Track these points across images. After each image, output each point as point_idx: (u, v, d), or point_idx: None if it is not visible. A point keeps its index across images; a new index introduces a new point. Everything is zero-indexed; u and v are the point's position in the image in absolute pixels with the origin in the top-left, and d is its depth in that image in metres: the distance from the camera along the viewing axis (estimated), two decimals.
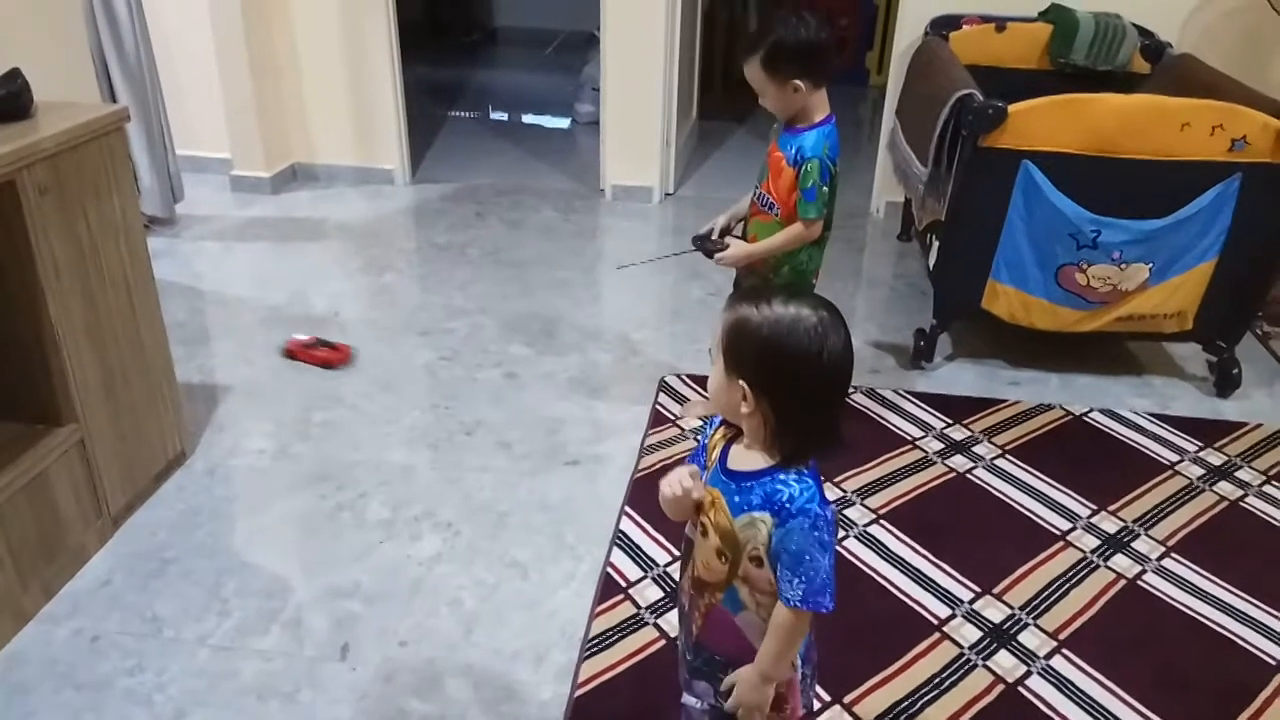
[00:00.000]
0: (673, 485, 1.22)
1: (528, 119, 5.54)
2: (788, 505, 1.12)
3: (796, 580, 1.13)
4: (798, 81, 2.05)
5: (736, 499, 1.17)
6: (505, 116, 5.60)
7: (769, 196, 2.22)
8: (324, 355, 2.84)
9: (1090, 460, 2.47)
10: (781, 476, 1.14)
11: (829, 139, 2.11)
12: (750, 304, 1.14)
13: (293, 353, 2.86)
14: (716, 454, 1.23)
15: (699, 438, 1.30)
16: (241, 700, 1.73)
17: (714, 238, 2.29)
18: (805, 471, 1.15)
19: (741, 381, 1.13)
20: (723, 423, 1.25)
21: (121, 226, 2.03)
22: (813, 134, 2.11)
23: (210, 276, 3.42)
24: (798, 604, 1.14)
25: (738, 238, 2.30)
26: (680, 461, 2.39)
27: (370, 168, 4.31)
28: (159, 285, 2.22)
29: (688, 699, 1.40)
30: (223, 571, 2.03)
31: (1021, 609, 1.97)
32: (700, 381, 2.75)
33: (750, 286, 1.07)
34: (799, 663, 1.28)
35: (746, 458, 1.18)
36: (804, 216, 2.14)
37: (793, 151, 2.13)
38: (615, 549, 2.11)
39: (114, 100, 3.41)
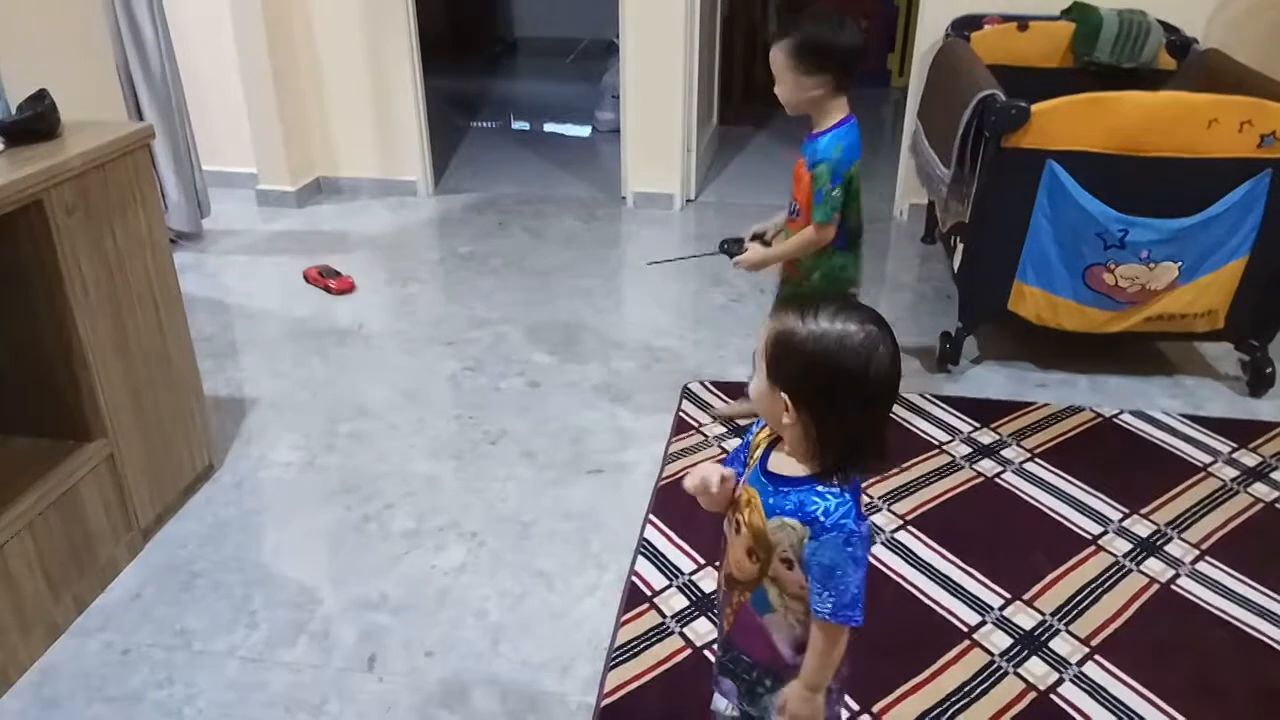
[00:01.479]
0: (695, 481, 1.22)
1: (549, 128, 5.55)
2: (822, 519, 1.11)
3: (826, 594, 1.12)
4: (816, 79, 2.04)
5: (771, 501, 1.17)
6: (527, 126, 5.62)
7: (795, 204, 2.22)
8: (326, 283, 3.41)
9: (1121, 463, 2.44)
10: (819, 488, 1.13)
11: (843, 140, 2.09)
12: (796, 315, 1.11)
13: (308, 277, 3.47)
14: (758, 454, 1.23)
15: (743, 437, 1.30)
16: (270, 712, 1.74)
17: (727, 239, 2.33)
18: (844, 484, 1.14)
19: (783, 393, 1.12)
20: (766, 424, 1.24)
21: (148, 243, 2.06)
22: (826, 137, 2.10)
23: (237, 290, 3.46)
24: (826, 617, 1.13)
25: (765, 244, 2.29)
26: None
27: (393, 180, 4.34)
28: (186, 300, 2.24)
29: (717, 703, 1.39)
30: (251, 584, 2.05)
31: (1053, 615, 1.94)
32: (723, 388, 2.75)
33: (792, 294, 1.06)
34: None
35: (787, 463, 1.17)
36: (817, 220, 2.13)
37: (808, 156, 2.13)
38: (640, 558, 2.10)
39: (140, 117, 3.46)
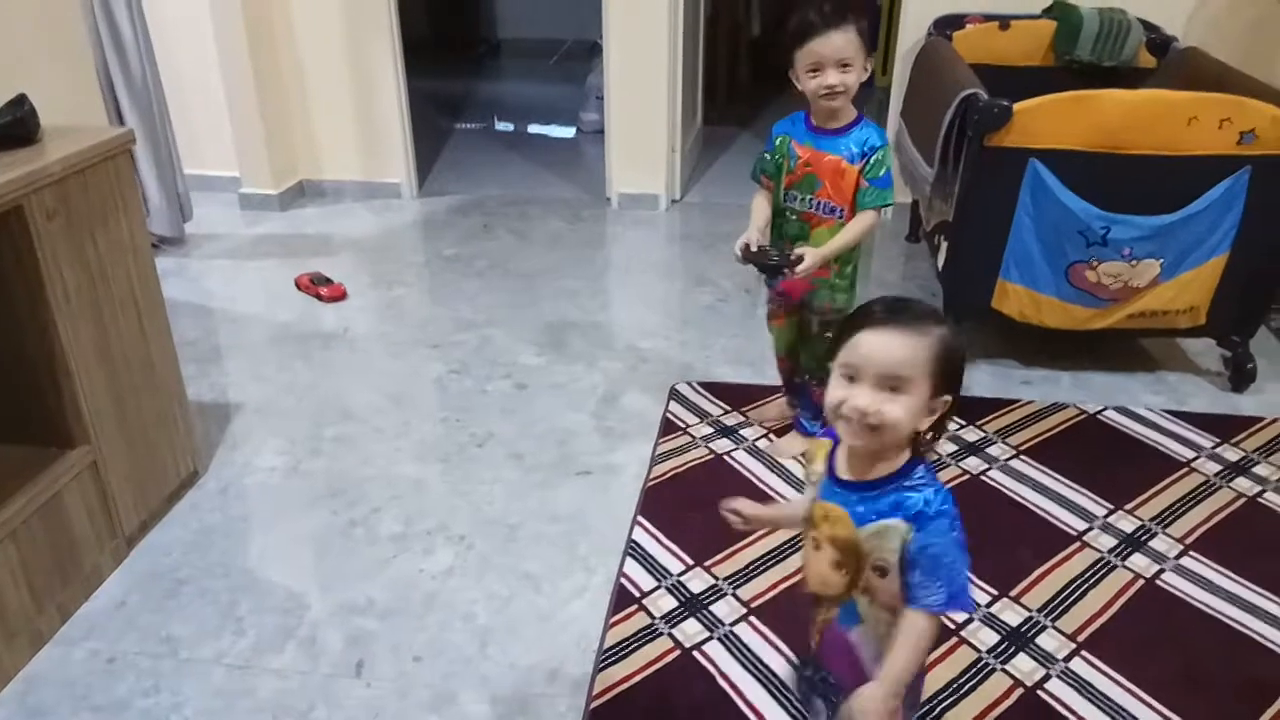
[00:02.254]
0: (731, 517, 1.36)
1: (533, 129, 5.55)
2: (925, 509, 1.12)
3: (938, 584, 1.12)
4: (869, 64, 2.07)
5: (860, 509, 1.16)
6: (511, 127, 5.62)
7: (831, 203, 2.16)
8: (317, 290, 3.38)
9: (1106, 459, 2.45)
10: (908, 482, 1.14)
11: (876, 128, 2.12)
12: (934, 324, 1.13)
13: (299, 284, 3.43)
14: (820, 466, 1.23)
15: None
16: (257, 719, 1.73)
17: (770, 250, 2.14)
18: (927, 473, 1.15)
19: (946, 397, 1.14)
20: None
21: (130, 248, 2.04)
22: (860, 129, 2.11)
23: (220, 295, 3.44)
24: (940, 608, 1.12)
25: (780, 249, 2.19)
26: (693, 470, 2.39)
27: (377, 182, 4.33)
28: (169, 305, 2.23)
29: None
30: (237, 590, 2.04)
31: (1039, 611, 1.95)
32: (710, 388, 2.75)
33: (898, 304, 1.05)
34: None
35: (866, 467, 1.17)
36: (879, 204, 2.11)
37: (851, 150, 2.11)
38: (628, 559, 2.10)
39: (121, 122, 3.44)
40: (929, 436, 1.16)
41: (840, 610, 1.22)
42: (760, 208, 2.25)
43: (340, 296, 3.37)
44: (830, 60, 2.03)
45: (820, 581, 1.23)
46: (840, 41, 2.02)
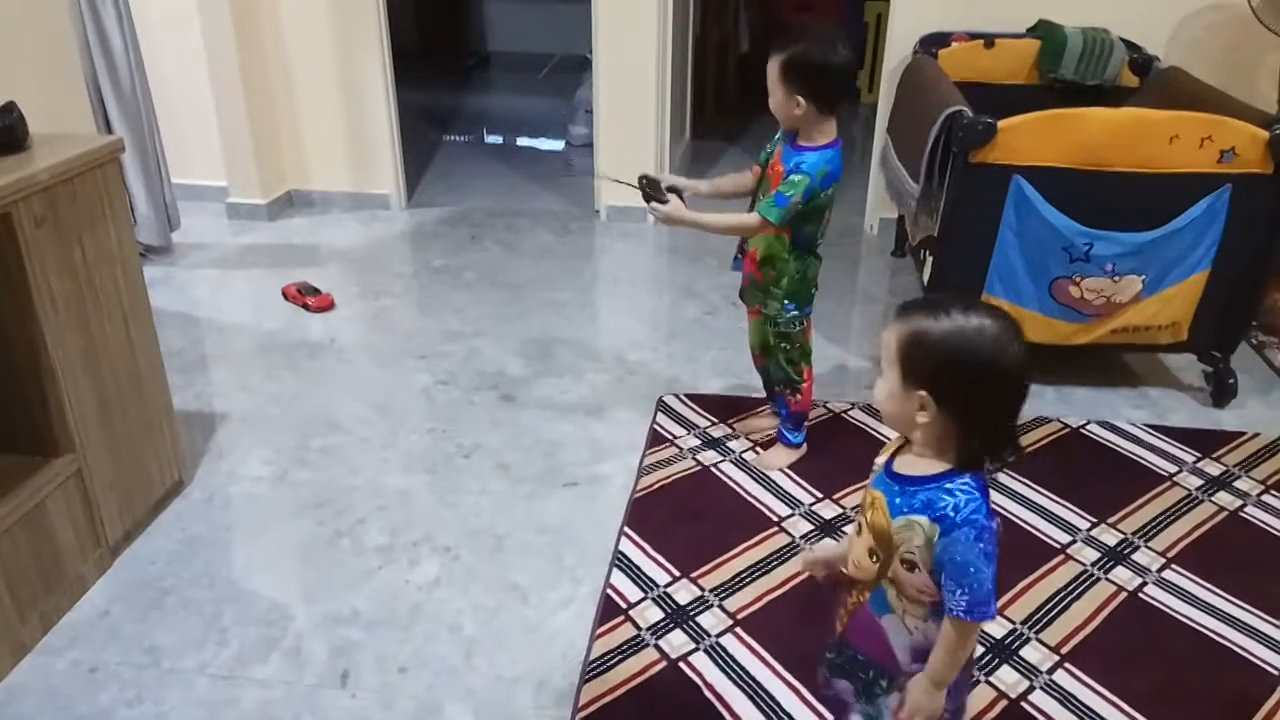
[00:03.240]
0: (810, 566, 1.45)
1: (522, 142, 5.56)
2: (952, 515, 1.14)
3: (960, 591, 1.14)
4: (800, 98, 2.06)
5: (898, 500, 1.19)
6: (500, 140, 5.63)
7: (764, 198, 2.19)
8: (304, 300, 3.37)
9: (1088, 473, 2.47)
10: (948, 485, 1.16)
11: (830, 164, 2.10)
12: (926, 315, 1.15)
13: (286, 294, 3.43)
14: (882, 458, 1.27)
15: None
16: None
17: (651, 181, 2.20)
18: (973, 482, 1.16)
19: (921, 391, 1.15)
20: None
21: (118, 256, 2.04)
22: (814, 155, 2.11)
23: (207, 304, 3.43)
24: (961, 615, 1.15)
25: (679, 195, 2.23)
26: (679, 481, 2.39)
27: (366, 193, 4.33)
28: (156, 314, 2.22)
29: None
30: (221, 600, 2.03)
31: (1023, 624, 1.96)
32: (697, 400, 2.76)
33: (931, 296, 1.13)
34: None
35: (916, 464, 1.20)
36: (765, 214, 2.11)
37: (791, 166, 2.12)
38: (615, 570, 2.10)
39: (109, 130, 3.43)
40: (974, 446, 1.16)
41: (871, 596, 1.26)
42: (730, 177, 2.33)
43: (328, 307, 3.36)
44: (768, 84, 2.11)
45: (856, 564, 1.28)
46: (769, 67, 2.09)
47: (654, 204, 2.17)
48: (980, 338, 1.12)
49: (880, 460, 1.27)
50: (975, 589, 1.14)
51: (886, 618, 1.26)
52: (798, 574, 2.03)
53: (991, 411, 1.15)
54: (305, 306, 3.36)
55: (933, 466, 1.18)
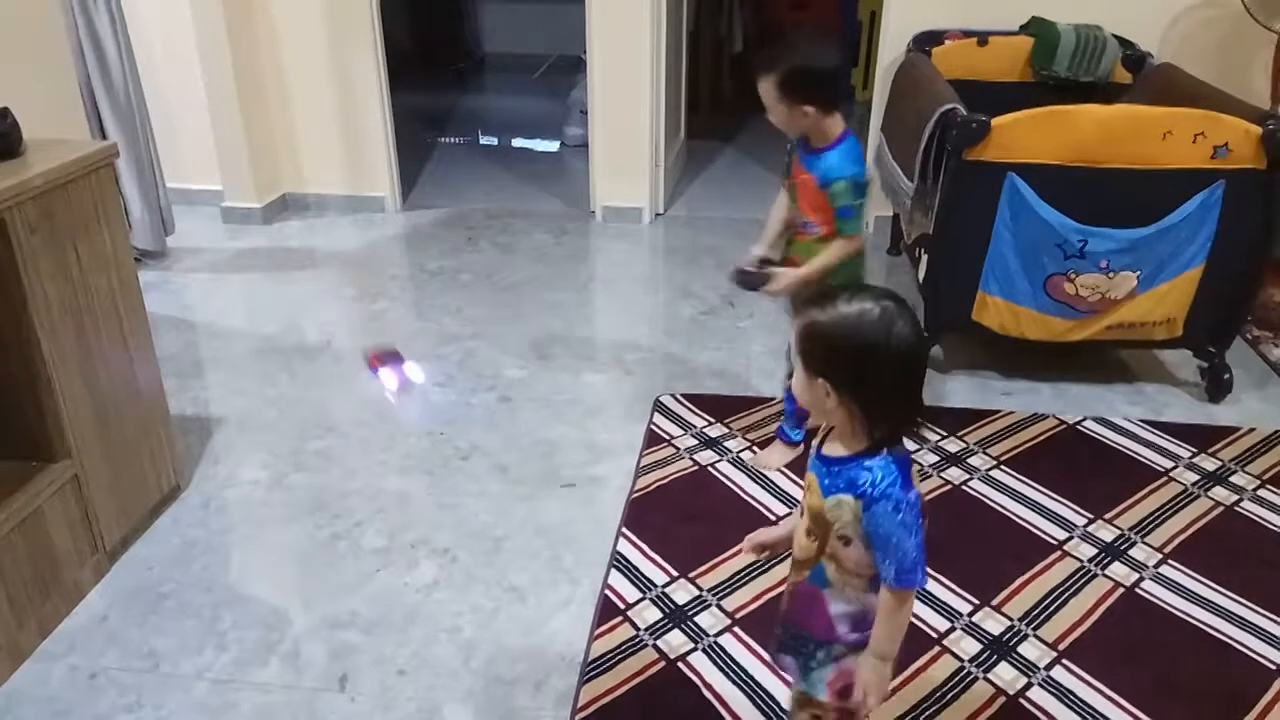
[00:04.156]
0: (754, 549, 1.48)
1: (517, 143, 5.56)
2: (870, 490, 1.19)
3: (888, 561, 1.20)
4: (809, 107, 2.07)
5: (827, 481, 1.24)
6: (495, 141, 5.63)
7: (805, 218, 2.20)
8: (386, 373, 2.92)
9: (1085, 469, 2.48)
10: (866, 463, 1.20)
11: (852, 153, 2.12)
12: (816, 307, 1.21)
13: (371, 361, 3.00)
14: (815, 441, 1.32)
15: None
16: None
17: (746, 268, 2.20)
18: (891, 457, 1.20)
19: (821, 380, 1.20)
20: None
21: (112, 261, 2.04)
22: (835, 154, 2.11)
23: (202, 308, 3.43)
24: (892, 583, 1.21)
25: (774, 264, 2.24)
26: (677, 482, 2.39)
27: (361, 196, 4.33)
28: (151, 318, 2.22)
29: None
30: (219, 604, 2.03)
31: (1021, 620, 1.96)
32: (694, 400, 2.76)
33: (812, 291, 1.21)
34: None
35: (838, 446, 1.25)
36: (847, 233, 2.14)
37: (820, 174, 2.12)
38: (613, 571, 2.10)
39: (103, 136, 3.43)
40: (877, 424, 1.20)
41: (811, 572, 1.31)
42: (773, 215, 2.31)
43: (404, 385, 2.96)
44: (765, 103, 2.11)
45: (798, 545, 1.33)
46: (761, 88, 2.09)
47: (765, 287, 2.18)
48: (862, 322, 1.17)
49: (815, 443, 1.32)
50: (900, 558, 1.19)
51: (827, 590, 1.30)
52: None
53: (886, 391, 1.19)
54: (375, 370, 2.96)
55: (852, 446, 1.23)
